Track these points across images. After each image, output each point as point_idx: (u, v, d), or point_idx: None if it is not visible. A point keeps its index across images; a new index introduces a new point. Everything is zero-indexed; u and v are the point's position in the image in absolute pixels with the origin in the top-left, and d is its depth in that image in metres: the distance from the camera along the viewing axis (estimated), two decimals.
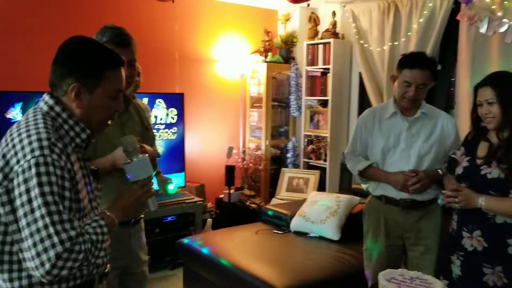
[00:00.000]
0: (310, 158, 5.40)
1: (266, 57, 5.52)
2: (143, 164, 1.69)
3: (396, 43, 4.59)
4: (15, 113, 3.85)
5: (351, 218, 3.83)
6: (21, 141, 1.42)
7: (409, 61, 2.64)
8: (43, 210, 1.35)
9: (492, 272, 2.27)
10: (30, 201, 1.36)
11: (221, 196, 5.27)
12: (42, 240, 1.34)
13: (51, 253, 1.33)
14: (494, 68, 3.79)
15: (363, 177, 2.83)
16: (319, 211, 3.88)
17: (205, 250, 3.60)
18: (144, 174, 1.69)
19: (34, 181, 1.36)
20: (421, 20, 4.35)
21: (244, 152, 5.67)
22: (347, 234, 3.73)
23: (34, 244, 1.34)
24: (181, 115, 4.84)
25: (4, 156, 1.43)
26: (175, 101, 4.81)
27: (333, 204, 3.90)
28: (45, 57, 4.10)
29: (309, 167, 5.45)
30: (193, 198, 4.72)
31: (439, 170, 2.68)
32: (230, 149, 5.24)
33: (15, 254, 1.45)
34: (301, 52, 5.51)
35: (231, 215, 4.97)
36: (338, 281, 3.12)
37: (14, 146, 1.42)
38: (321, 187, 5.15)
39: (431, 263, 2.64)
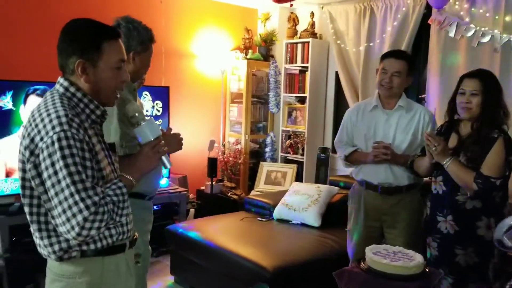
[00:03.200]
0: (288, 153, 5.60)
1: (246, 54, 5.66)
2: (150, 125, 1.82)
3: (371, 44, 4.84)
4: (5, 101, 3.87)
5: (331, 206, 4.06)
6: (42, 120, 1.58)
7: (387, 53, 3.01)
8: (68, 180, 1.51)
9: (464, 253, 2.51)
10: (56, 173, 1.52)
11: (203, 187, 5.38)
12: (70, 207, 1.51)
13: (79, 217, 1.50)
14: (461, 69, 4.09)
15: (348, 162, 3.09)
16: (301, 200, 4.09)
17: (194, 235, 3.76)
18: (152, 135, 1.81)
19: (58, 155, 1.51)
20: (395, 23, 4.60)
21: (224, 145, 5.81)
22: (327, 221, 3.95)
23: (64, 211, 1.51)
24: (166, 108, 4.92)
25: (29, 135, 1.59)
26: (161, 94, 4.88)
27: (314, 193, 4.11)
28: (34, 46, 4.23)
29: (286, 161, 5.65)
30: (177, 188, 4.83)
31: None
32: (212, 142, 5.34)
33: (50, 223, 1.61)
34: (280, 50, 5.70)
35: (213, 205, 5.08)
36: (322, 261, 3.33)
37: (36, 125, 1.58)
38: (298, 180, 5.27)
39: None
